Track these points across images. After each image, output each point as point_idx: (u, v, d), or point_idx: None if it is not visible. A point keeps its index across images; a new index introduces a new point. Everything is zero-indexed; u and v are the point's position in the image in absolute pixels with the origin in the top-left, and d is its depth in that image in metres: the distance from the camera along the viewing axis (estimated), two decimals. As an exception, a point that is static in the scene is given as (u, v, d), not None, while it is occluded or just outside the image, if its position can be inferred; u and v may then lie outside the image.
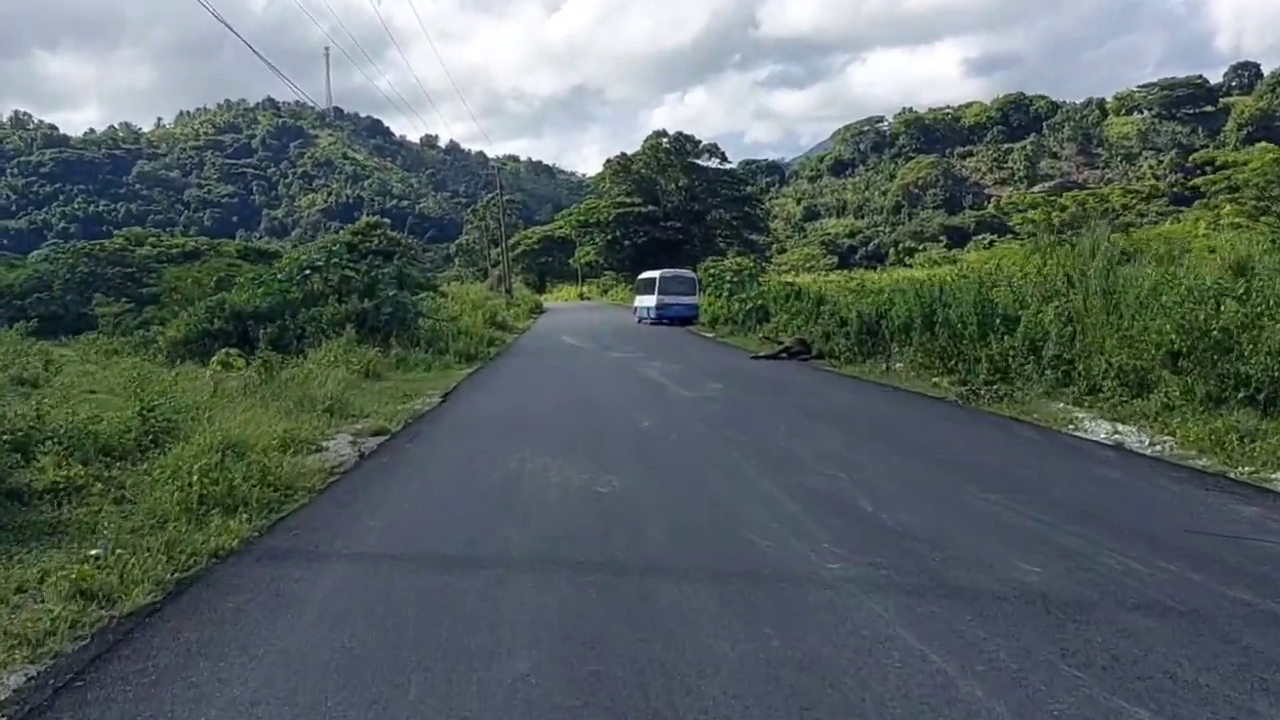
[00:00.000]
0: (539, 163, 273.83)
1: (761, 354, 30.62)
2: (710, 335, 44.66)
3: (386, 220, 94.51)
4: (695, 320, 53.54)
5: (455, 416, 18.94)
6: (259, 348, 27.85)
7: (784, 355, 29.78)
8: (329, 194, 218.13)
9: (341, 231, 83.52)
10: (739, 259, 76.35)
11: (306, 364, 24.47)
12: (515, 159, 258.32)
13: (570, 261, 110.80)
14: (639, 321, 58.04)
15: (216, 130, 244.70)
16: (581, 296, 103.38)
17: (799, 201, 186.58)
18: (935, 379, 21.97)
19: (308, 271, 34.17)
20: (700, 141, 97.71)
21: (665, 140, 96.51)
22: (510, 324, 53.97)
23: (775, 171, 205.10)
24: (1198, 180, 71.87)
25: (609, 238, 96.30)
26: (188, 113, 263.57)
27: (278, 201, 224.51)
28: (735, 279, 53.21)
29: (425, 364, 30.05)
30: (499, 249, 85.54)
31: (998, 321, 21.40)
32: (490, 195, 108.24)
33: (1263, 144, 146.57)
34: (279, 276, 34.48)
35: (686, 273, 59.24)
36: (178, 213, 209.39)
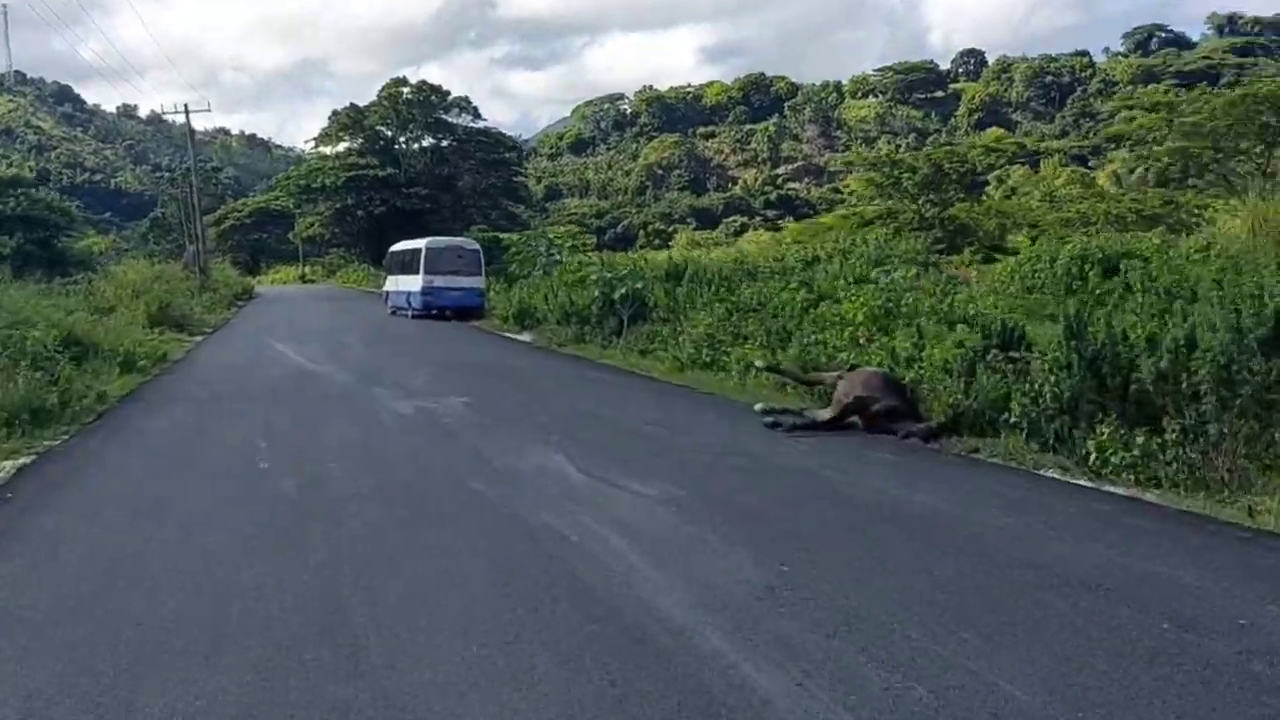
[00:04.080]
0: (254, 136, 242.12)
1: (789, 421, 11.67)
2: (527, 340, 25.65)
3: (30, 175, 69.62)
4: (481, 312, 34.31)
5: None
6: None
7: (847, 422, 11.17)
8: (9, 165, 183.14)
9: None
10: (508, 235, 57.46)
11: None
12: (226, 132, 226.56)
13: (290, 237, 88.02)
14: (393, 312, 38.23)
15: None
16: (304, 279, 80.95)
17: (539, 180, 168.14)
18: None
19: None
20: (449, 93, 77.25)
21: (407, 90, 75.58)
22: (195, 320, 32.86)
23: (512, 148, 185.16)
24: (1114, 129, 58.64)
25: (337, 206, 74.54)
26: None
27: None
28: (551, 255, 34.17)
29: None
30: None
31: None
32: (188, 164, 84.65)
33: (993, 129, 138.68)
34: None
35: (467, 243, 38.99)
36: None
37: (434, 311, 35.01)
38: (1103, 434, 8.85)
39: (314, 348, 23.38)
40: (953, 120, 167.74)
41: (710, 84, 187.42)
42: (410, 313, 36.20)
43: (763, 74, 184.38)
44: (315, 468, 9.76)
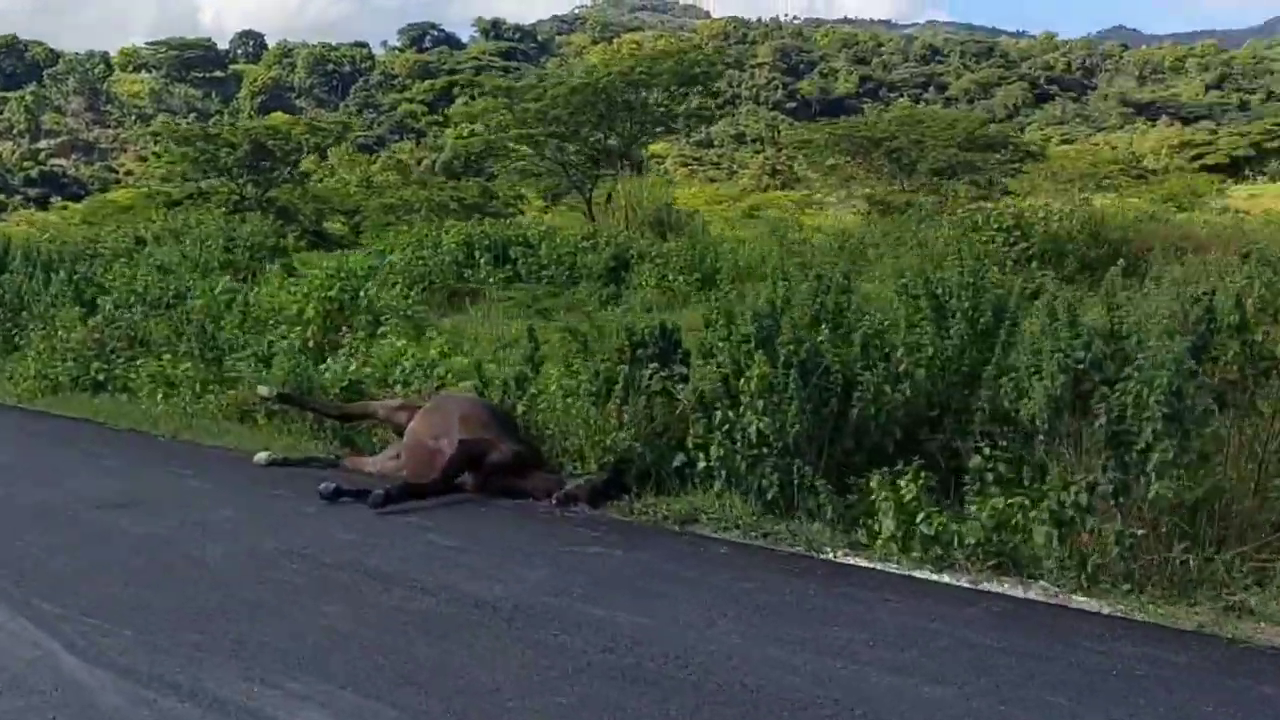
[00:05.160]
0: None
1: (379, 492, 6.86)
2: None
3: None
4: None
5: None
6: None
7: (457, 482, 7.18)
8: None
9: None
10: None
11: None
12: None
13: None
14: None
15: None
16: None
17: None
18: None
19: None
20: None
21: None
22: None
23: None
24: (456, 110, 56.78)
25: None
26: None
27: None
28: None
29: None
30: None
31: None
32: None
33: (277, 114, 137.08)
34: None
35: None
36: None
37: None
38: (908, 491, 5.90)
39: None
40: (235, 102, 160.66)
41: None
42: None
43: (15, 36, 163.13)
44: None
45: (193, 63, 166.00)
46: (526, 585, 5.12)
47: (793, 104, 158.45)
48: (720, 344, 7.88)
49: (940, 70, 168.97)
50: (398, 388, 9.87)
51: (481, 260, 22.70)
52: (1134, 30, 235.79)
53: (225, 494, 7.35)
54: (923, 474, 5.97)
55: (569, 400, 7.42)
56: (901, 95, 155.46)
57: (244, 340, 11.77)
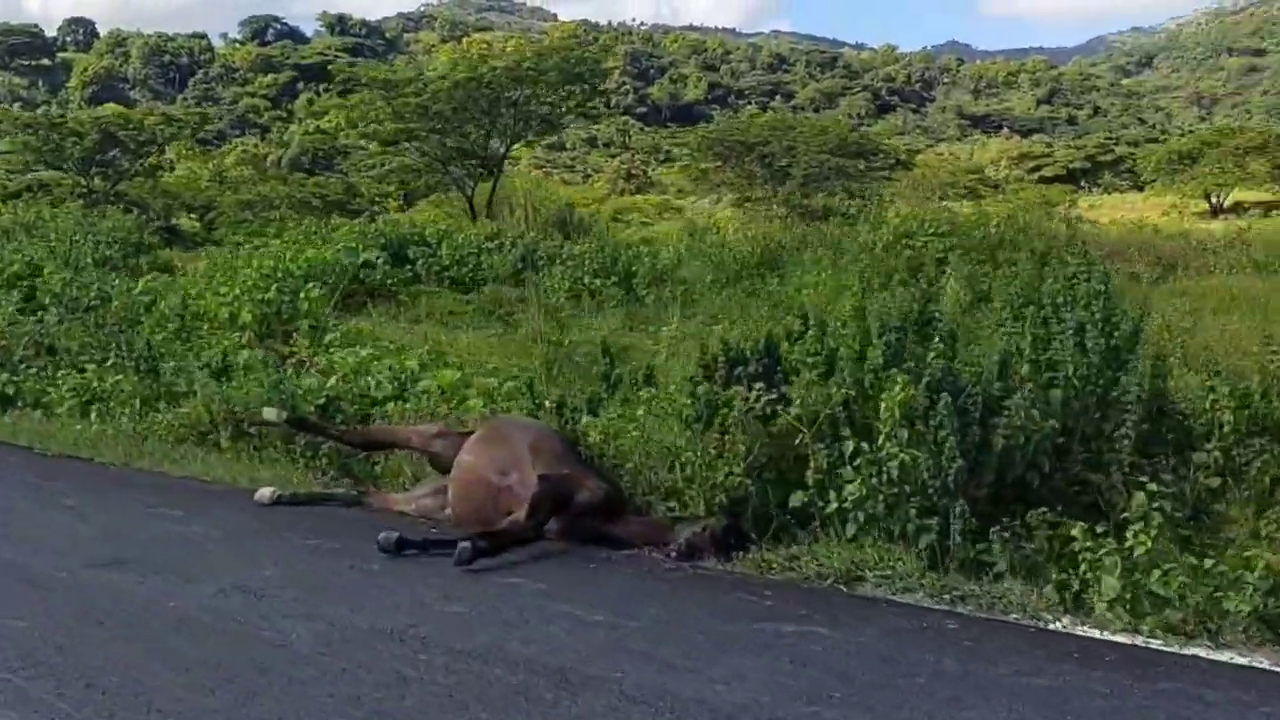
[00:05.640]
0: None
1: (468, 546, 5.40)
2: None
3: None
4: None
5: None
6: None
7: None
8: None
9: None
10: None
11: None
12: None
13: None
14: None
15: None
16: None
17: None
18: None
19: None
20: None
21: None
22: None
23: None
24: (327, 103, 54.01)
25: None
26: None
27: None
28: None
29: None
30: None
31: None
32: None
33: (111, 105, 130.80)
34: None
35: None
36: None
37: None
38: (1139, 544, 4.86)
39: None
40: (64, 92, 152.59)
41: None
42: None
43: None
44: None
45: (17, 49, 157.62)
46: (755, 687, 3.85)
47: (643, 109, 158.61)
48: (808, 359, 6.81)
49: (787, 79, 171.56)
50: (388, 405, 8.51)
51: (379, 260, 21.12)
52: (966, 45, 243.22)
53: (243, 545, 5.86)
54: (1157, 523, 4.94)
55: (663, 427, 6.16)
56: (749, 102, 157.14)
57: (177, 349, 10.16)
